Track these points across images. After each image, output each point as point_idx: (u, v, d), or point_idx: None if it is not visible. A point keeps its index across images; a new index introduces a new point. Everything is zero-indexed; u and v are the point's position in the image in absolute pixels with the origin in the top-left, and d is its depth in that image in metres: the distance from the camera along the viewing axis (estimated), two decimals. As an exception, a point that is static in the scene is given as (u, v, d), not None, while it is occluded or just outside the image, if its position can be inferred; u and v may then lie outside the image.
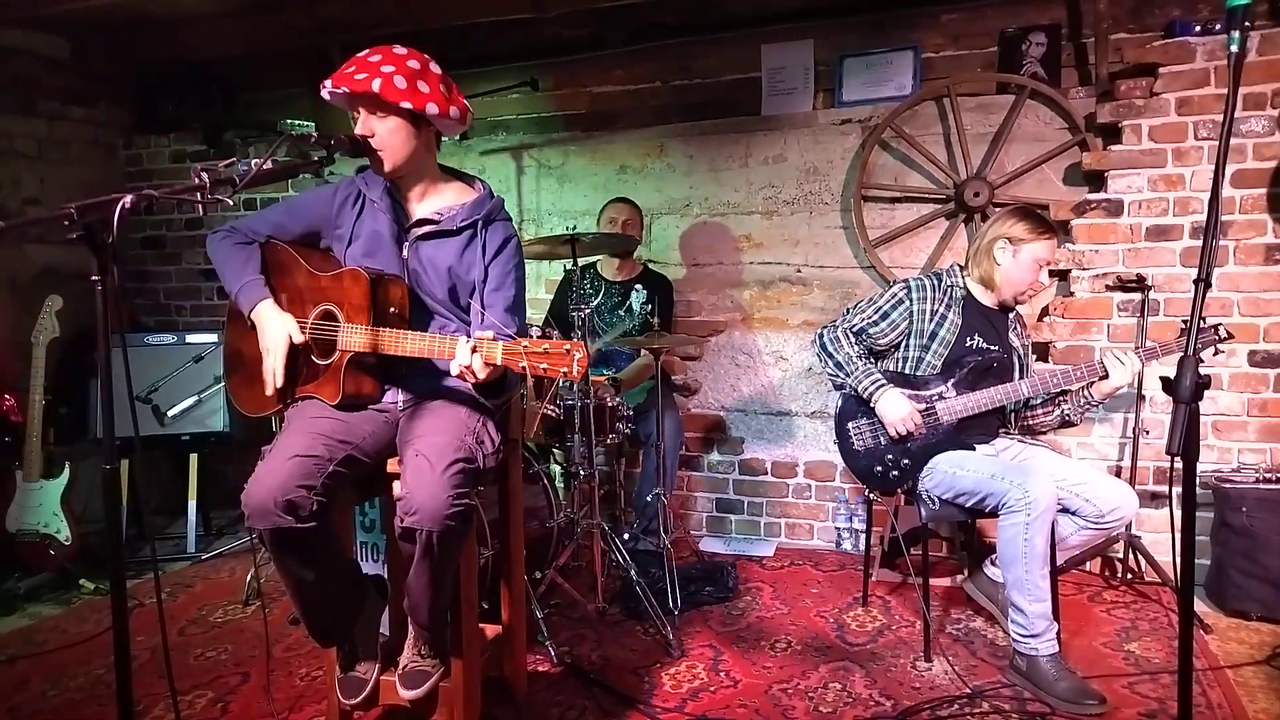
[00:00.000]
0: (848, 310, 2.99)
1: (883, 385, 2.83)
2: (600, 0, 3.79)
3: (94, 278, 1.48)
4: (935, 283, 2.92)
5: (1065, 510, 2.71)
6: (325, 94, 2.12)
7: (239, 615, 3.28)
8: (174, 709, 1.82)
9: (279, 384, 2.14)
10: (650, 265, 4.10)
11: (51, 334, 3.67)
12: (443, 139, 2.38)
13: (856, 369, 2.87)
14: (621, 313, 3.87)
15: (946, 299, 2.89)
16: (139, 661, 2.86)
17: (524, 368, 1.89)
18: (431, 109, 2.10)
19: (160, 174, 4.82)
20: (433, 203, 2.27)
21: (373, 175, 2.25)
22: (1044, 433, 3.00)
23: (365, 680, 2.21)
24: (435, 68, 2.17)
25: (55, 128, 4.54)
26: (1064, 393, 2.86)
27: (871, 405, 2.84)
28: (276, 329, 2.13)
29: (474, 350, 1.90)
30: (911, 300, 2.90)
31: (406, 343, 2.07)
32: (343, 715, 2.31)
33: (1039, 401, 2.93)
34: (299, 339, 2.13)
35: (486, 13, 3.97)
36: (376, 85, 2.03)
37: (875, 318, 2.92)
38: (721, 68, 4.20)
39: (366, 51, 2.12)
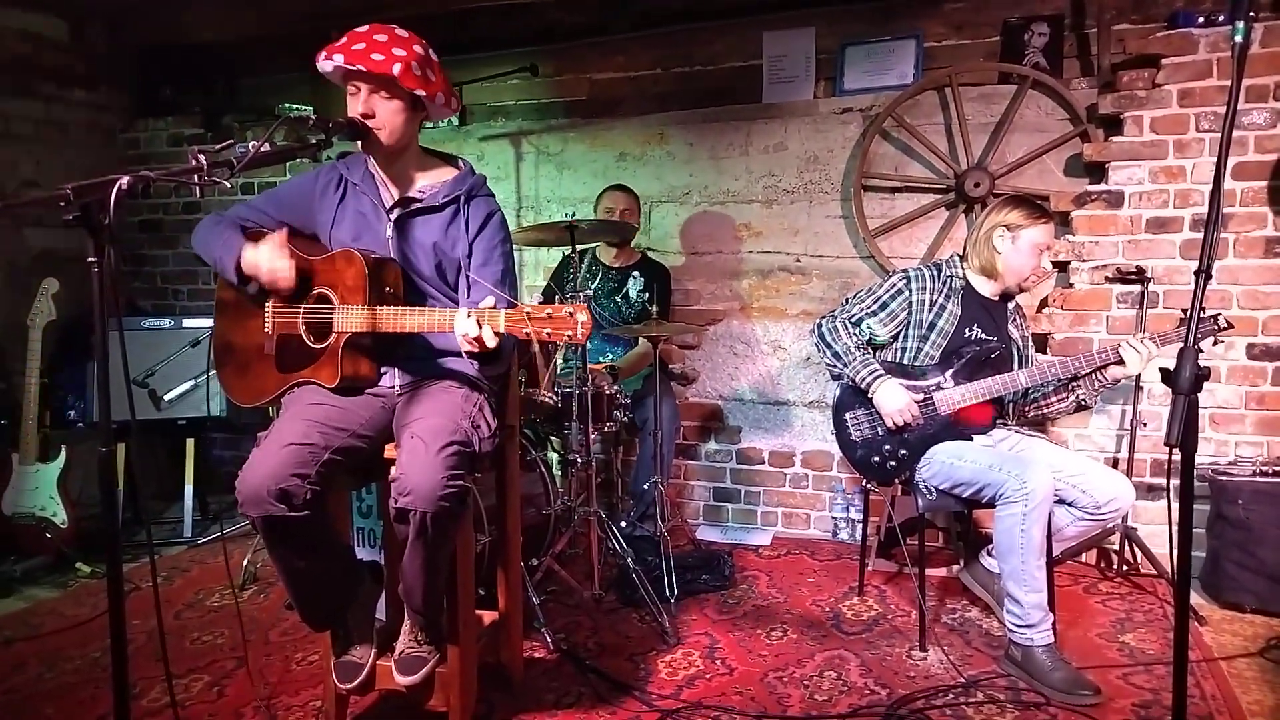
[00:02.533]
0: (846, 300, 2.99)
1: (880, 376, 2.83)
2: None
3: (90, 260, 1.47)
4: (934, 273, 2.92)
5: (1062, 501, 2.71)
6: (328, 65, 2.09)
7: (235, 599, 3.28)
8: (169, 692, 1.83)
9: (287, 274, 2.10)
10: (649, 253, 4.09)
11: (48, 317, 3.66)
12: (441, 123, 2.37)
13: (854, 359, 2.87)
14: (618, 299, 3.86)
15: (945, 289, 2.89)
16: (134, 645, 2.86)
17: (528, 333, 1.89)
18: (439, 99, 2.17)
19: (158, 157, 4.81)
20: (416, 182, 2.29)
21: (354, 159, 2.27)
22: (1056, 420, 2.99)
23: (361, 665, 2.21)
24: (434, 55, 2.19)
25: (53, 110, 4.52)
26: (1076, 378, 2.85)
27: (869, 396, 2.84)
28: (264, 248, 2.11)
29: (479, 323, 1.90)
30: (910, 290, 2.89)
31: (406, 319, 2.06)
32: (338, 700, 2.31)
33: (1052, 389, 2.92)
34: (280, 240, 2.11)
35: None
36: (397, 69, 2.05)
37: (874, 308, 2.92)
38: (723, 55, 4.18)
39: (368, 29, 2.11)
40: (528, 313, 1.90)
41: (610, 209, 3.85)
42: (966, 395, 2.82)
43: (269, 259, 2.10)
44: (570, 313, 1.88)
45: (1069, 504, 2.72)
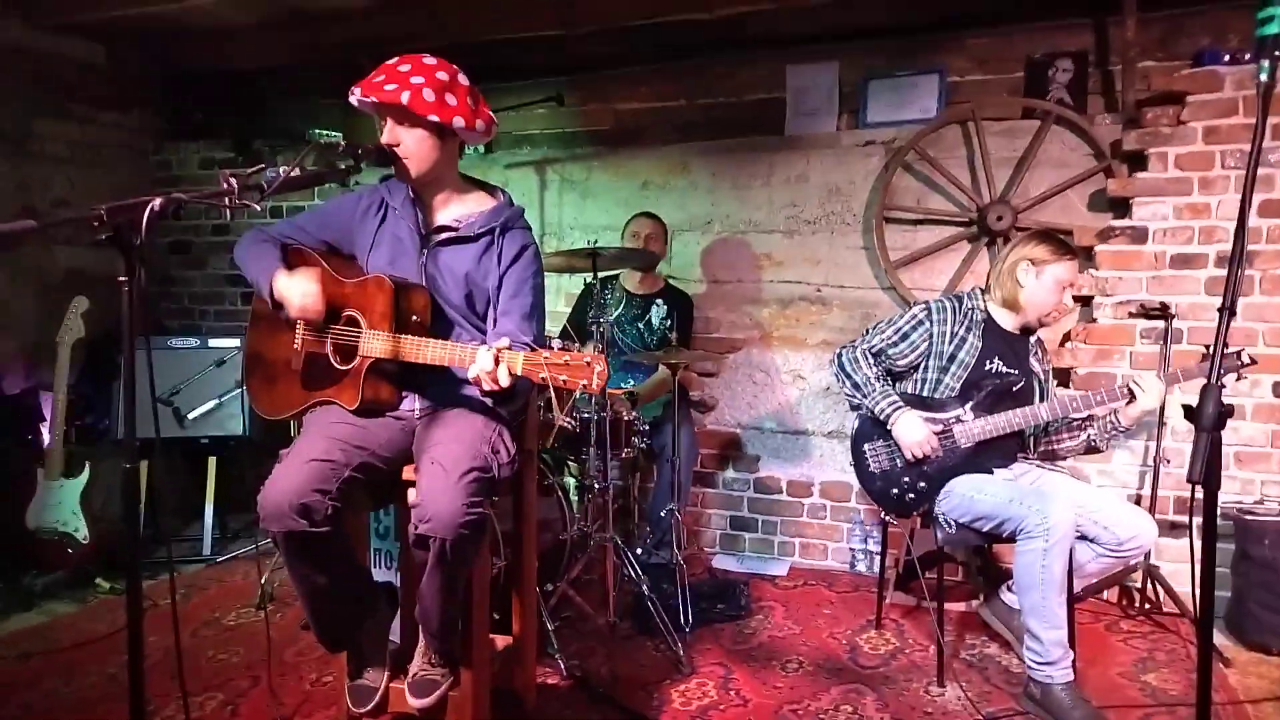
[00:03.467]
0: (867, 330, 2.99)
1: (900, 407, 2.82)
2: (629, 18, 3.81)
3: (121, 279, 1.50)
4: (956, 305, 2.91)
5: (1083, 537, 2.68)
6: (354, 100, 2.14)
7: (252, 619, 3.29)
8: (184, 710, 1.83)
9: (317, 306, 2.12)
10: (671, 281, 4.11)
11: (77, 335, 3.72)
12: (467, 150, 2.40)
13: (874, 390, 2.86)
14: (640, 325, 3.88)
15: (967, 322, 2.88)
16: (151, 661, 2.86)
17: (544, 379, 1.90)
18: (458, 122, 2.14)
19: (189, 180, 4.89)
20: (453, 210, 2.30)
21: (396, 183, 2.28)
22: (1066, 458, 2.98)
23: (374, 688, 2.22)
24: (463, 79, 2.20)
25: (87, 131, 4.62)
26: (1090, 418, 2.84)
27: (888, 427, 2.83)
28: (296, 284, 2.11)
29: (496, 360, 1.91)
30: (932, 322, 2.89)
31: (427, 350, 2.08)
32: (352, 721, 2.31)
33: (1064, 427, 2.91)
34: (315, 275, 2.13)
35: (517, 29, 4.01)
36: (405, 98, 2.07)
37: (895, 339, 2.91)
38: (747, 87, 4.22)
39: (396, 60, 2.15)
40: (546, 357, 1.90)
41: (637, 233, 3.87)
42: (987, 428, 2.80)
43: (300, 290, 2.11)
44: (588, 362, 1.88)
45: (1090, 540, 2.69)
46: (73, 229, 1.53)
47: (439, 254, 2.26)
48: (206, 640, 3.11)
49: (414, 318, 2.16)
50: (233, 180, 1.73)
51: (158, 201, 1.52)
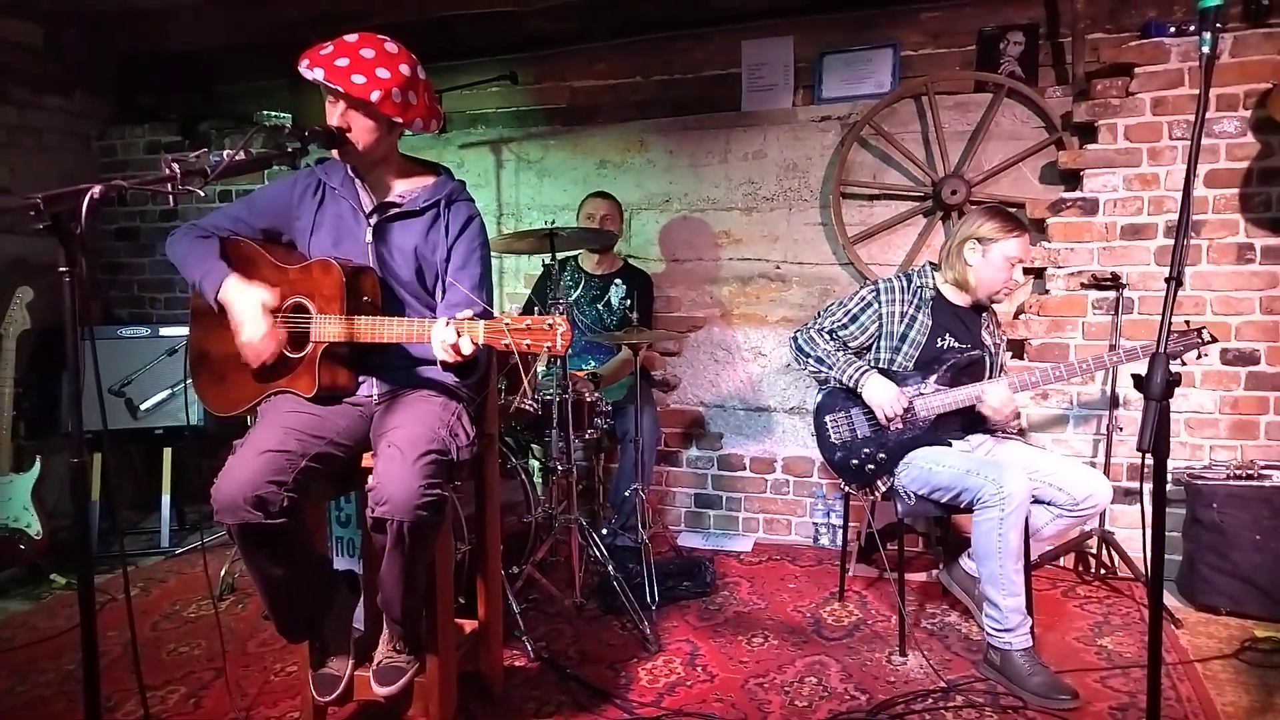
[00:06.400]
0: (820, 312, 3.01)
1: (866, 371, 2.85)
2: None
3: (62, 268, 1.46)
4: (905, 284, 2.94)
5: (1039, 501, 2.73)
6: (308, 74, 2.07)
7: (212, 610, 3.25)
8: (143, 704, 1.81)
9: (271, 354, 2.10)
10: (630, 260, 4.09)
11: (22, 326, 3.62)
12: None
13: (837, 361, 2.88)
14: (600, 306, 3.86)
15: (916, 300, 2.91)
16: (110, 657, 2.83)
17: (507, 345, 1.89)
18: (417, 124, 2.16)
19: (135, 165, 4.77)
20: (394, 187, 2.28)
21: (333, 164, 2.26)
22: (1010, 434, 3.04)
23: (339, 676, 2.20)
24: (421, 73, 2.17)
25: (27, 116, 4.48)
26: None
27: (859, 391, 2.85)
28: (249, 299, 2.08)
29: (458, 332, 1.90)
30: (880, 303, 2.91)
31: (383, 329, 2.06)
32: (317, 711, 2.29)
33: None
34: (273, 303, 2.09)
35: (470, 4, 3.95)
36: (375, 97, 2.04)
37: (845, 320, 2.94)
38: (703, 63, 4.19)
39: (357, 40, 2.08)
40: (507, 324, 1.90)
41: (592, 215, 3.85)
42: (946, 401, 2.83)
43: (255, 338, 2.08)
44: (550, 324, 1.88)
45: (1047, 503, 2.73)
46: (12, 218, 1.49)
47: (385, 231, 2.23)
48: (167, 633, 3.07)
49: (365, 299, 2.14)
50: (175, 165, 1.68)
51: (97, 189, 1.48)
